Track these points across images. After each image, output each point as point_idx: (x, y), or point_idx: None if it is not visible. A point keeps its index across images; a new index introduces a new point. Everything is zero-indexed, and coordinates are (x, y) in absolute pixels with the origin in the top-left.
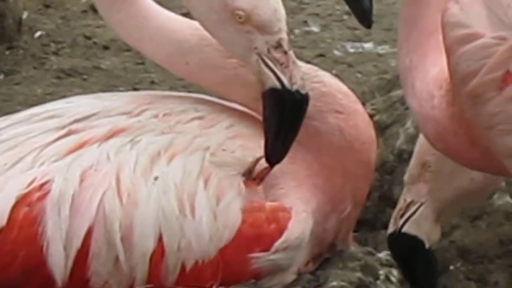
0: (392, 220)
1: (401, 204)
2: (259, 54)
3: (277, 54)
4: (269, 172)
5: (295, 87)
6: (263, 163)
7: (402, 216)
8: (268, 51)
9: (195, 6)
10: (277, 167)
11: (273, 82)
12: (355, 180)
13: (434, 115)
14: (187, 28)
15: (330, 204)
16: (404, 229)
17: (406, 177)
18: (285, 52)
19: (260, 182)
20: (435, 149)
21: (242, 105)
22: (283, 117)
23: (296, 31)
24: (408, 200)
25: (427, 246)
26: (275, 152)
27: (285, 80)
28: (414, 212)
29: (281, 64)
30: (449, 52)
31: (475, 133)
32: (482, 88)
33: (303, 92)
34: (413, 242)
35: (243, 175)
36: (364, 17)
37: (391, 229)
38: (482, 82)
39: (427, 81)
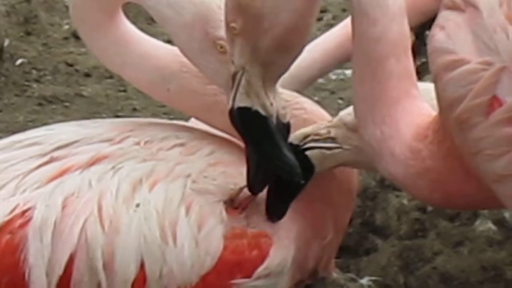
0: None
1: (323, 130)
2: None
3: None
4: (252, 200)
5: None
6: (246, 191)
7: (316, 141)
8: None
9: (177, 34)
10: (259, 195)
11: None
12: (337, 207)
13: (426, 166)
14: (168, 54)
15: (311, 231)
16: (308, 153)
17: (345, 117)
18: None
19: (243, 210)
20: (430, 204)
21: (223, 131)
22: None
23: None
24: (332, 135)
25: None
26: (256, 181)
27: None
28: (329, 148)
29: None
30: (436, 78)
31: (466, 161)
32: (468, 113)
33: (285, 121)
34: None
35: (225, 203)
36: (292, 173)
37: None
38: (469, 107)
39: (407, 143)
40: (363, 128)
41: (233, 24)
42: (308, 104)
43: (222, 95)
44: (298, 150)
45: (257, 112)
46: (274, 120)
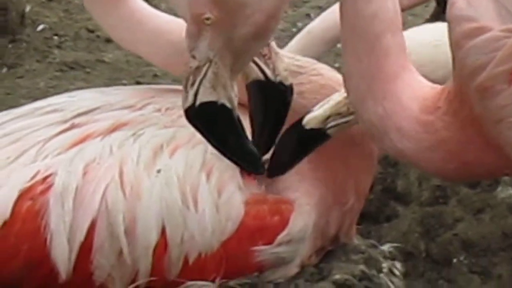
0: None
1: (343, 108)
2: None
3: None
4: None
5: (278, 79)
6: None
7: (337, 119)
8: None
9: (178, 5)
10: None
11: (257, 74)
12: (357, 173)
13: (441, 137)
14: (181, 28)
15: (332, 197)
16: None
17: None
18: (267, 44)
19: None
20: (443, 178)
21: (240, 100)
22: (267, 109)
23: (299, 24)
24: (352, 110)
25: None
26: (262, 143)
27: (268, 72)
28: (348, 122)
29: (264, 56)
30: (455, 47)
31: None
32: (491, 81)
33: (286, 83)
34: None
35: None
36: (256, 165)
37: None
38: (491, 75)
39: (415, 116)
40: (361, 107)
41: (206, 16)
42: (325, 70)
43: None
44: (322, 133)
45: (223, 106)
46: (236, 112)
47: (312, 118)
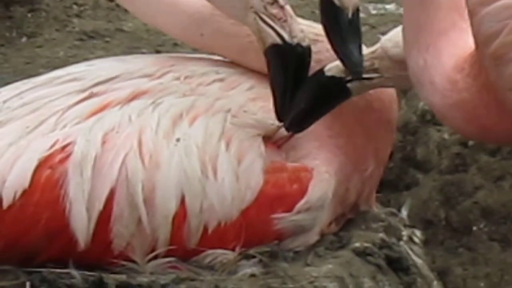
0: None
1: (367, 62)
2: (256, 13)
3: (274, 10)
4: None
5: (295, 41)
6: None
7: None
8: (265, 8)
9: None
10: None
11: (274, 38)
12: (377, 140)
13: (462, 98)
14: (198, 0)
15: (352, 164)
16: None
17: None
18: (282, 7)
19: (281, 146)
20: (467, 137)
21: (259, 72)
22: (287, 72)
23: None
24: (375, 66)
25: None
26: (284, 108)
27: (285, 35)
28: (370, 79)
29: (279, 19)
30: (471, 13)
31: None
32: (504, 49)
33: (304, 44)
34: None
35: (264, 138)
36: (355, 68)
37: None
38: (505, 42)
39: (447, 73)
40: (408, 55)
41: None
42: None
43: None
44: (342, 83)
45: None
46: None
47: (334, 66)
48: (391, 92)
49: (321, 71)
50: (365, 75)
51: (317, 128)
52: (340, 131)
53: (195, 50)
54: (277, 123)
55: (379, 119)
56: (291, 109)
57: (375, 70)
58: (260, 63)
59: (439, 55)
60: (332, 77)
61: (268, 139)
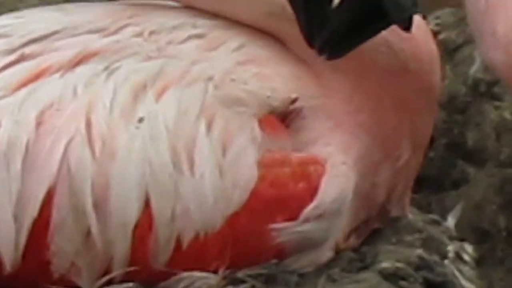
0: None
1: None
2: None
3: None
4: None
5: None
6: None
7: None
8: None
9: None
10: (303, 103)
11: None
12: (413, 115)
13: None
14: None
15: (379, 150)
16: None
17: None
18: None
19: (282, 126)
20: None
21: (251, 25)
22: None
23: None
24: None
25: None
26: (313, 29)
27: None
28: None
29: None
30: None
31: None
32: None
33: None
34: None
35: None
36: (400, 14)
37: None
38: None
39: None
40: None
41: None
42: None
43: None
44: None
45: None
46: None
47: None
48: (432, 48)
49: None
50: None
51: (331, 101)
52: (362, 104)
53: None
54: (276, 94)
55: (416, 86)
56: (322, 25)
57: None
58: (251, 12)
59: None
60: None
61: (264, 118)
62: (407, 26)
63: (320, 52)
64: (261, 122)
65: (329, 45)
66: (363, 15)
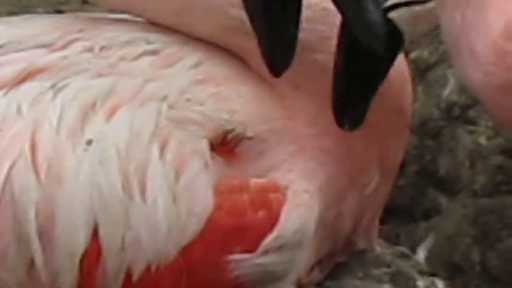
0: None
1: None
2: None
3: None
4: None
5: None
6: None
7: None
8: None
9: None
10: (264, 125)
11: None
12: (382, 139)
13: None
14: None
15: (345, 177)
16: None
17: None
18: None
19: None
20: None
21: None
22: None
23: None
24: None
25: None
26: (277, 56)
27: None
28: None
29: None
30: None
31: None
32: None
33: None
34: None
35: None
36: (374, 38)
37: None
38: None
39: (493, 39)
40: (443, 6)
41: None
42: None
43: None
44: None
45: None
46: None
47: None
48: (402, 68)
49: None
50: None
51: (294, 124)
52: (327, 127)
53: (112, 11)
54: (234, 117)
55: (385, 109)
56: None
57: None
58: (210, 25)
59: (484, 11)
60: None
61: (221, 141)
62: (380, 47)
63: (342, 124)
64: (217, 146)
65: (350, 117)
66: (361, 73)
